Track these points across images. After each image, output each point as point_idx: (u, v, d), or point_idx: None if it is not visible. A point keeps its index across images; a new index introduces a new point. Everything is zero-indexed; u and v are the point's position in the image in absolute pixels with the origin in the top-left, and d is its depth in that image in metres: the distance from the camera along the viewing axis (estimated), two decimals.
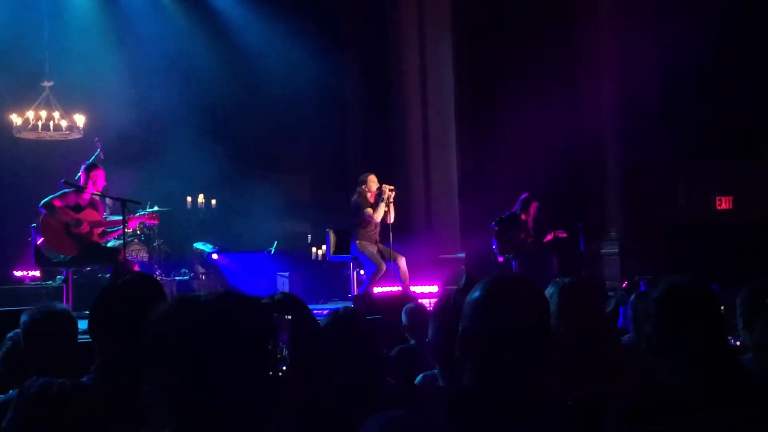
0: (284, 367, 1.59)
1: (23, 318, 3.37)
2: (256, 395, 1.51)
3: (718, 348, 2.29)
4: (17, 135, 11.12)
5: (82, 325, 3.31)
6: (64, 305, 3.55)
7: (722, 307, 2.46)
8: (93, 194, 7.90)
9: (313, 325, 2.85)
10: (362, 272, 9.68)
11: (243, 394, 1.49)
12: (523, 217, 10.36)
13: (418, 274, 10.27)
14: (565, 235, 10.43)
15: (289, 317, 2.21)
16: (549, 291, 3.31)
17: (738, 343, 3.13)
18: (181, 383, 1.48)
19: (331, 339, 3.02)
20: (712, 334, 2.30)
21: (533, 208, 10.36)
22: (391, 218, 9.40)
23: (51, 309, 3.37)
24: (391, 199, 9.33)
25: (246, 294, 1.63)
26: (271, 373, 1.53)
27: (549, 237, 10.34)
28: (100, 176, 7.95)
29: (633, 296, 4.82)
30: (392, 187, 9.37)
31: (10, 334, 3.81)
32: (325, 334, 3.02)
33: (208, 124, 12.98)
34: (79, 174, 8.08)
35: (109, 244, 8.39)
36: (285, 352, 1.75)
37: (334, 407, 2.76)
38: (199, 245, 11.89)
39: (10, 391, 3.45)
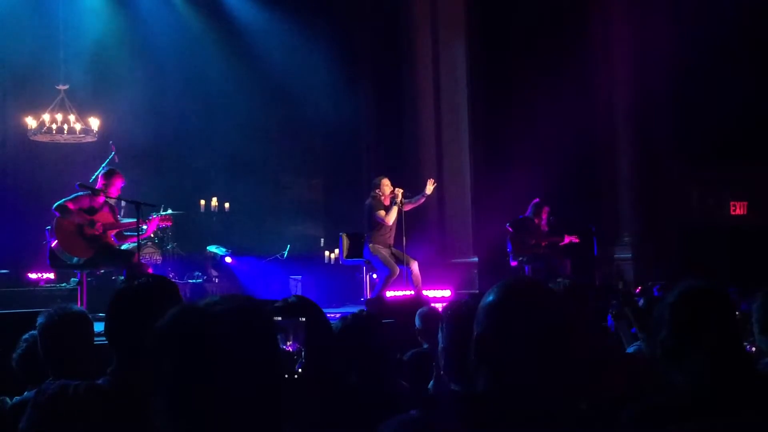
0: (300, 369, 1.59)
1: (40, 320, 3.37)
2: (265, 401, 1.50)
3: (732, 353, 2.28)
4: (32, 138, 11.19)
5: (98, 327, 3.32)
6: (80, 307, 3.56)
7: (737, 313, 2.45)
8: (107, 197, 7.92)
9: (326, 328, 2.85)
10: (375, 276, 9.68)
11: (252, 402, 1.48)
12: (536, 221, 10.39)
13: (430, 277, 10.26)
14: (578, 240, 10.46)
15: (303, 319, 2.21)
16: None
17: (754, 348, 3.12)
18: (186, 399, 1.46)
19: (346, 342, 3.02)
20: (727, 339, 2.29)
21: (545, 212, 10.39)
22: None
23: (67, 311, 3.37)
24: (403, 203, 9.34)
25: (248, 298, 1.60)
26: (287, 375, 1.52)
27: (565, 242, 10.37)
28: (116, 184, 7.97)
29: (641, 301, 4.82)
30: (403, 191, 9.36)
31: (25, 336, 3.83)
32: (339, 337, 3.02)
33: (222, 127, 13.01)
34: (95, 176, 8.11)
35: (123, 247, 8.41)
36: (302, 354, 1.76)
37: (347, 409, 2.77)
38: (212, 248, 11.92)
39: (26, 393, 3.47)
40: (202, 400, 1.46)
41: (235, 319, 1.52)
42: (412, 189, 9.71)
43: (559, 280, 3.34)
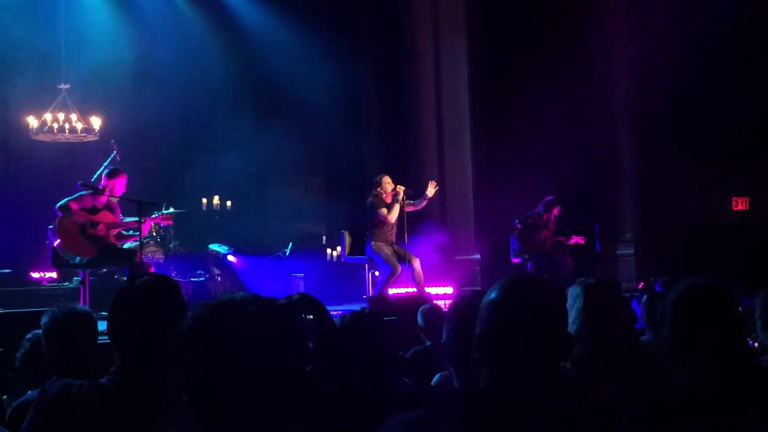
0: (309, 367, 1.60)
1: (44, 318, 3.36)
2: (286, 400, 1.52)
3: (735, 349, 2.28)
4: (34, 137, 11.19)
5: (100, 326, 3.33)
6: (84, 306, 3.55)
7: (740, 308, 2.45)
8: (111, 196, 7.92)
9: (330, 325, 2.85)
10: (377, 273, 9.67)
11: (273, 400, 1.49)
12: (545, 218, 10.39)
13: (432, 275, 10.25)
14: (583, 242, 10.49)
15: (311, 317, 2.21)
16: (575, 291, 3.23)
17: (756, 344, 3.11)
18: (212, 396, 1.48)
19: (348, 340, 3.02)
20: (730, 335, 2.29)
21: (556, 210, 10.40)
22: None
23: (72, 310, 3.35)
24: (405, 202, 9.32)
25: (277, 302, 1.62)
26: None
27: (571, 242, 10.38)
28: (120, 183, 7.96)
29: (644, 297, 4.80)
30: (404, 188, 9.36)
31: (28, 335, 3.82)
32: (342, 335, 3.02)
33: (223, 125, 13.01)
34: (97, 175, 8.10)
35: (125, 246, 8.42)
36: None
37: (350, 407, 2.77)
38: (214, 246, 11.92)
39: (29, 392, 3.47)
40: (228, 397, 1.48)
41: (268, 318, 1.53)
42: (414, 187, 9.69)
43: (582, 279, 3.30)
